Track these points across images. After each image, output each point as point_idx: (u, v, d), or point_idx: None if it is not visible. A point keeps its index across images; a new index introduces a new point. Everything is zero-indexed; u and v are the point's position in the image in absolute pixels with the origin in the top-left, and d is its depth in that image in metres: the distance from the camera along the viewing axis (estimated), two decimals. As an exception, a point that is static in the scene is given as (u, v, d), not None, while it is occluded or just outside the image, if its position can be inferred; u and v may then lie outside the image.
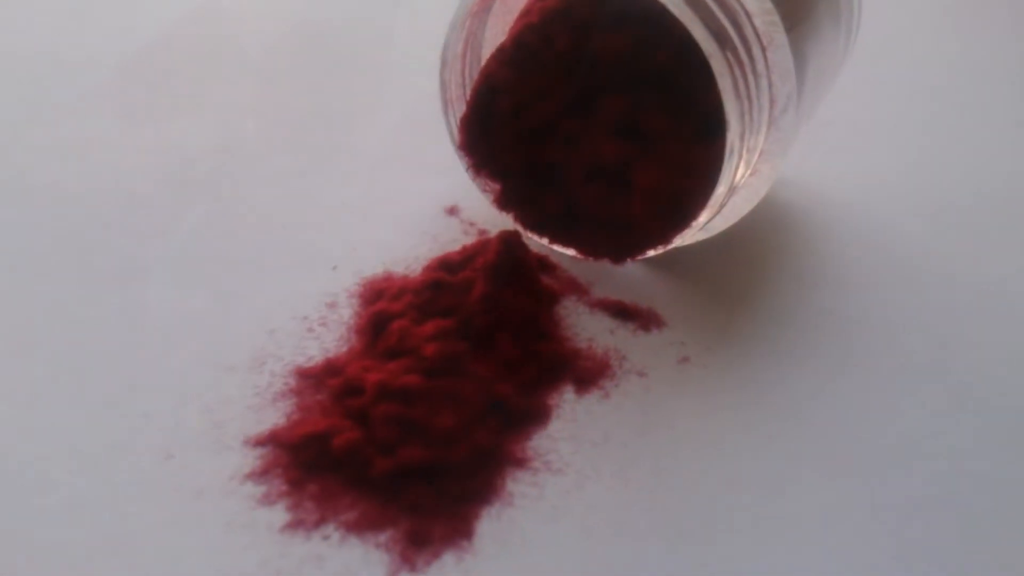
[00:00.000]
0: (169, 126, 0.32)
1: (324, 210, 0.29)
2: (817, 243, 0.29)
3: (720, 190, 0.24)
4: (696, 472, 0.22)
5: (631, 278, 0.27)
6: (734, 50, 0.23)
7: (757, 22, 0.23)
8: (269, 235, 0.28)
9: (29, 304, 0.25)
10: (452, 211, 0.29)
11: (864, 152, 0.33)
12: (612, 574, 0.20)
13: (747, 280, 0.27)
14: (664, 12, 0.23)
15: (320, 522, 0.20)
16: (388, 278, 0.26)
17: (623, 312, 0.26)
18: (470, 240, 0.27)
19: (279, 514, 0.20)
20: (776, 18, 0.24)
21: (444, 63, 0.26)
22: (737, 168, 0.24)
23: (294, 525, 0.20)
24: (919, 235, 0.29)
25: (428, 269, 0.26)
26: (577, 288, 0.27)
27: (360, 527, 0.20)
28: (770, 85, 0.24)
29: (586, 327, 0.26)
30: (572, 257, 0.27)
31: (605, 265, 0.27)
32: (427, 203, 0.29)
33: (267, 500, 0.21)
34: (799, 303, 0.27)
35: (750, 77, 0.23)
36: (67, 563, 0.19)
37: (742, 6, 0.23)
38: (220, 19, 0.40)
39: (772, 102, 0.24)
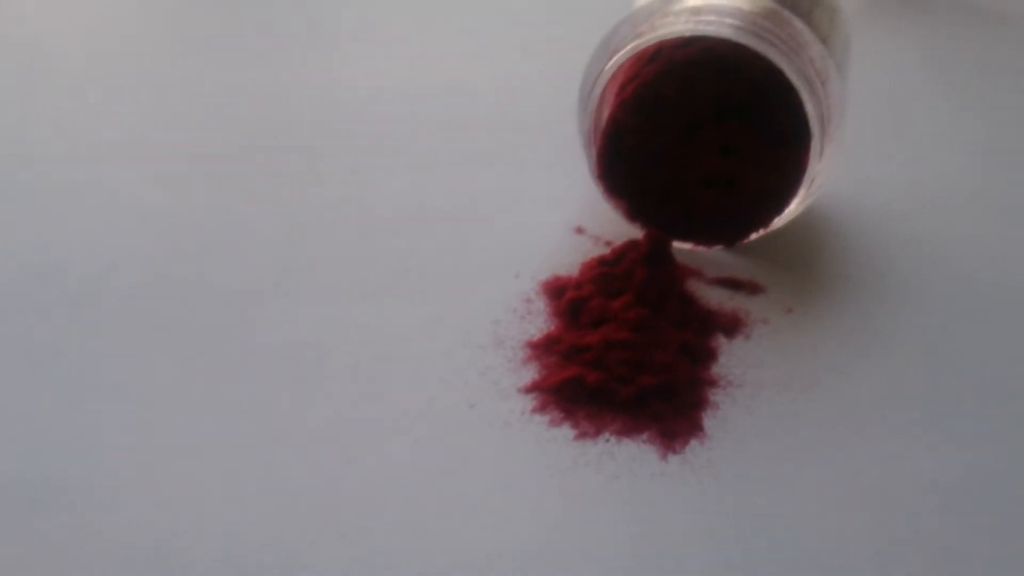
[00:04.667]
0: (351, 186, 0.41)
1: (484, 238, 0.38)
2: (861, 228, 0.39)
3: (807, 182, 0.34)
4: (838, 385, 0.31)
5: (727, 261, 0.37)
6: (810, 84, 0.33)
7: (818, 65, 0.34)
8: (454, 259, 0.36)
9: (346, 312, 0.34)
10: (579, 230, 0.38)
11: (892, 155, 0.43)
12: (799, 451, 0.29)
13: (815, 255, 0.37)
14: (746, 63, 0.33)
15: (598, 432, 0.29)
16: (559, 278, 0.35)
17: (733, 284, 0.35)
18: (599, 250, 0.36)
19: (567, 431, 0.29)
20: (830, 61, 0.34)
21: (583, 113, 0.35)
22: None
23: (581, 435, 0.28)
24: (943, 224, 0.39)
25: (588, 268, 0.35)
26: (692, 271, 0.36)
27: (625, 433, 0.29)
28: (828, 107, 0.34)
29: (710, 296, 0.35)
30: (687, 250, 0.36)
31: (707, 254, 0.36)
32: (559, 226, 0.38)
33: (554, 423, 0.29)
34: (858, 270, 0.37)
35: (818, 103, 0.33)
36: (423, 479, 0.27)
37: (807, 53, 0.33)
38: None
39: (828, 121, 0.34)
